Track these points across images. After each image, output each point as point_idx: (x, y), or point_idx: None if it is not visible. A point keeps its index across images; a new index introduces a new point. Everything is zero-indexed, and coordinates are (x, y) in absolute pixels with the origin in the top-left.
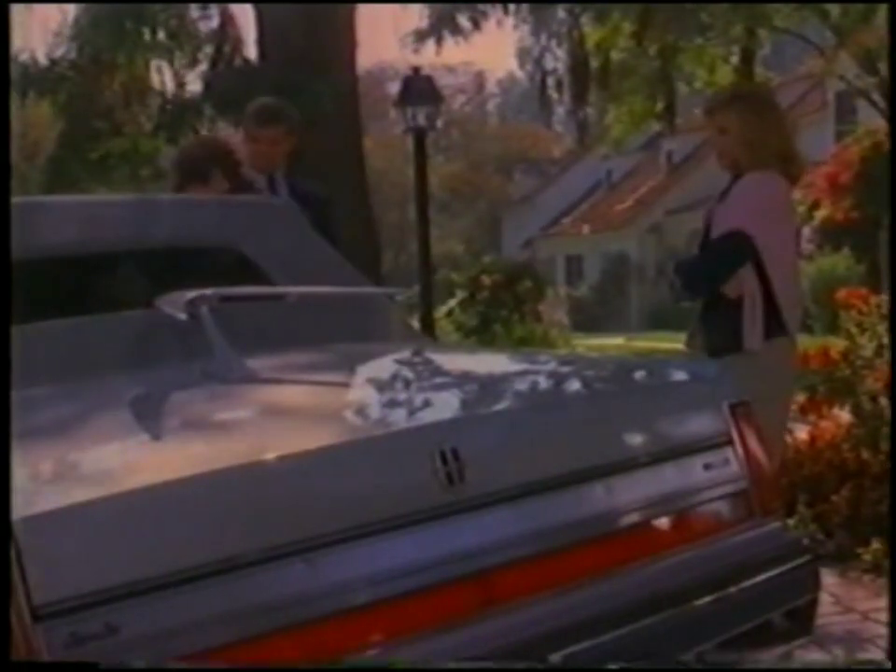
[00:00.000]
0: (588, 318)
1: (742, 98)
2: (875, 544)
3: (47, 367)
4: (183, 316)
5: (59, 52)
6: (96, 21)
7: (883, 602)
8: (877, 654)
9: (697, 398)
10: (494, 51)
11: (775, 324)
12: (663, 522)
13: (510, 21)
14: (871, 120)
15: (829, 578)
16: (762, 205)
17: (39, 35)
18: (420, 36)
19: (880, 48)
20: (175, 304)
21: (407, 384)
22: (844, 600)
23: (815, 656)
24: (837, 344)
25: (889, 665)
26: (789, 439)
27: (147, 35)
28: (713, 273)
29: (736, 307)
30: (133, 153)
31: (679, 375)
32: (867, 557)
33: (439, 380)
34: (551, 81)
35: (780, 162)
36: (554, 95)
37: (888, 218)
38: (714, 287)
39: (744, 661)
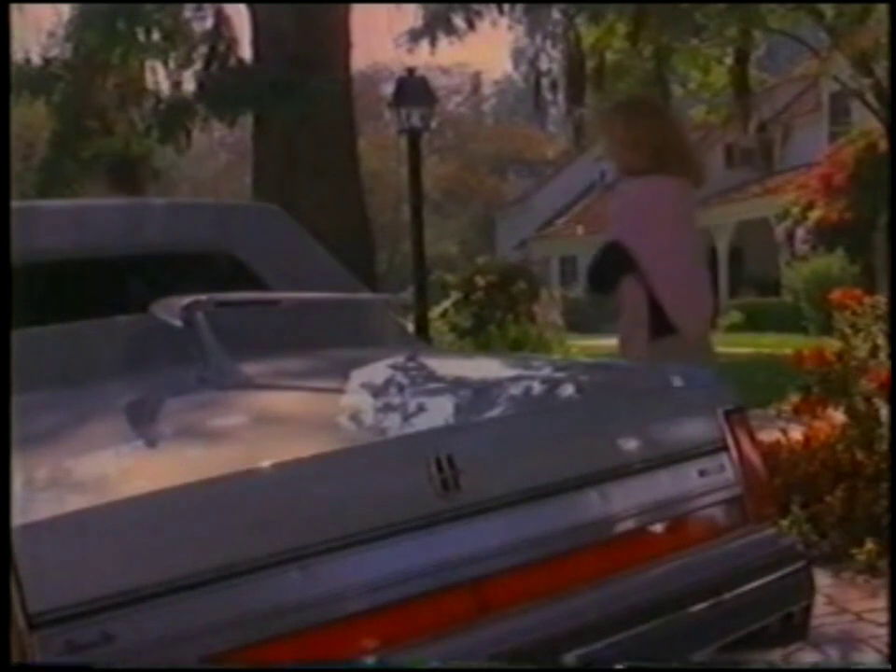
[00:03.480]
0: (583, 319)
1: (622, 106)
2: (870, 545)
3: (40, 372)
4: (178, 322)
5: (53, 52)
6: (90, 21)
7: (877, 603)
8: (871, 655)
9: (692, 404)
10: (489, 52)
11: (662, 325)
12: (657, 528)
13: (505, 21)
14: (865, 121)
15: (823, 578)
16: (638, 214)
17: (33, 35)
18: (414, 36)
19: (874, 49)
20: (170, 310)
21: (402, 390)
22: (838, 601)
23: (809, 657)
24: (832, 345)
25: (889, 667)
26: (783, 439)
27: (141, 36)
28: (598, 283)
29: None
30: (125, 153)
31: (674, 381)
32: (861, 558)
33: (434, 386)
34: (545, 82)
35: (674, 165)
36: (549, 96)
37: (882, 219)
38: (604, 294)
39: (740, 663)
